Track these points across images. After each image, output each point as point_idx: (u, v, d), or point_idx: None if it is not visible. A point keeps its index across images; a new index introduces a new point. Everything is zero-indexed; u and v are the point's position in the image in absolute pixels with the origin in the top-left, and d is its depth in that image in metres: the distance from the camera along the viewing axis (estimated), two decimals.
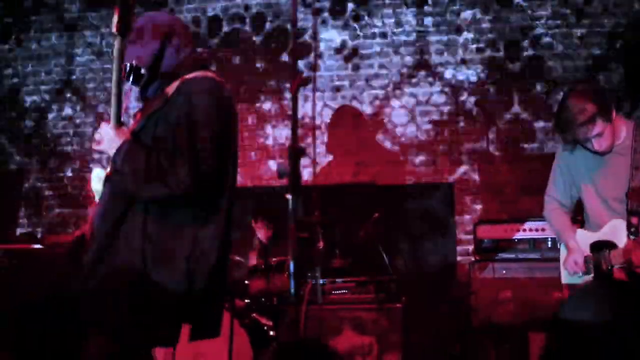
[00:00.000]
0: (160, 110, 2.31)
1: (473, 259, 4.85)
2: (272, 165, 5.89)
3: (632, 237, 2.94)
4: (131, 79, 2.35)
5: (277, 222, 4.99)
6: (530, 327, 4.34)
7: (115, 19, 2.16)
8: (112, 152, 2.26)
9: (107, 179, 2.35)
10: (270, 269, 4.28)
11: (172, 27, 2.44)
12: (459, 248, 5.53)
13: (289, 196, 1.62)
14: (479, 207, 5.60)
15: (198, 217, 2.27)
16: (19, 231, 6.02)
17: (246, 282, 4.39)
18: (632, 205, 2.97)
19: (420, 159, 5.74)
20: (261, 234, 5.04)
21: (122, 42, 2.21)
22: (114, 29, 2.17)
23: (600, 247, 3.06)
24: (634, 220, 2.95)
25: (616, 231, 3.02)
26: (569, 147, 3.13)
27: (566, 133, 3.00)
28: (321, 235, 4.56)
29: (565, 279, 3.28)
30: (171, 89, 2.35)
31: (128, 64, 2.32)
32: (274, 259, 4.37)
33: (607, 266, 3.00)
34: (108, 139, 2.27)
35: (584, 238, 3.16)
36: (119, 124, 2.27)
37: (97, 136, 2.34)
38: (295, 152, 1.62)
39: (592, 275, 3.09)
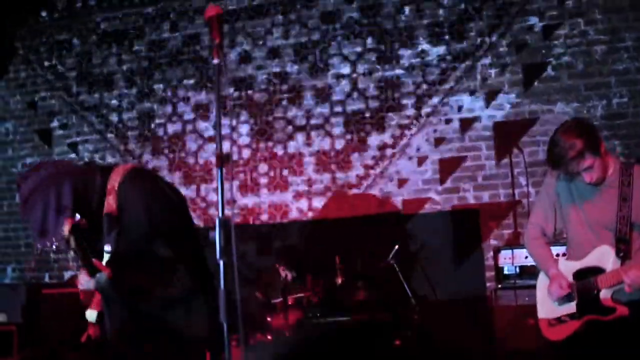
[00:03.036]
0: (116, 228, 2.50)
1: (495, 286, 4.85)
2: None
3: (620, 260, 3.04)
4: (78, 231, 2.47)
5: (302, 258, 5.11)
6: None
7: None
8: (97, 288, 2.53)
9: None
10: (287, 306, 4.43)
11: (68, 174, 2.49)
12: (487, 274, 5.51)
13: (220, 261, 1.75)
14: (506, 232, 5.57)
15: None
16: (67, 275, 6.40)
17: (268, 318, 4.55)
18: (622, 231, 3.08)
19: (445, 186, 5.77)
20: (283, 274, 5.17)
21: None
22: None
23: (585, 274, 3.14)
24: (623, 247, 3.06)
25: (603, 257, 3.11)
26: (567, 178, 3.20)
27: (559, 168, 3.12)
28: (340, 271, 4.68)
29: (543, 313, 3.31)
30: (110, 206, 2.50)
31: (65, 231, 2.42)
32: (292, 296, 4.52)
33: (594, 290, 3.05)
34: (88, 286, 2.53)
35: (567, 268, 3.22)
36: (93, 270, 2.49)
37: (80, 286, 2.58)
38: (224, 223, 1.75)
39: (575, 301, 3.14)
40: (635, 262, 3.02)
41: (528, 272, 4.76)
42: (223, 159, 1.73)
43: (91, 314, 2.61)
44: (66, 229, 2.38)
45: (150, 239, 2.40)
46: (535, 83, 5.65)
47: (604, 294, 3.06)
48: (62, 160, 2.61)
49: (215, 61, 1.80)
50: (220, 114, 1.76)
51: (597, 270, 3.10)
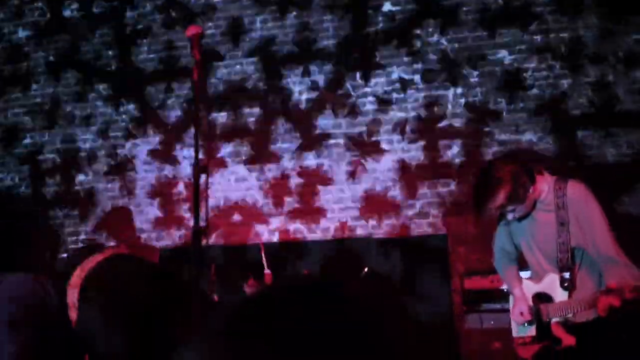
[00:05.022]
0: None
1: (461, 309, 4.94)
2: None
3: (566, 292, 3.07)
4: None
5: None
6: None
7: None
8: None
9: None
10: None
11: None
12: (454, 298, 5.59)
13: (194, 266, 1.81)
14: (474, 257, 5.68)
15: None
16: None
17: None
18: (563, 260, 3.08)
19: (414, 211, 5.87)
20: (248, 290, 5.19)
21: None
22: None
23: (541, 298, 3.23)
24: (566, 274, 3.08)
25: (551, 285, 3.17)
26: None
27: (480, 213, 3.12)
28: None
29: (515, 332, 3.39)
30: None
31: None
32: None
33: (546, 318, 3.14)
34: None
35: (529, 288, 3.32)
36: None
37: None
38: (196, 233, 1.81)
39: (534, 325, 3.23)
40: (584, 296, 3.03)
41: (494, 296, 4.86)
42: (199, 171, 1.80)
43: None
44: None
45: None
46: (504, 113, 5.82)
47: (554, 325, 3.12)
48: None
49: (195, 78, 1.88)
50: (198, 129, 1.82)
51: (549, 298, 3.17)
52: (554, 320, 3.12)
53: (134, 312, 1.67)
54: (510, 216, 3.12)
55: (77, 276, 1.73)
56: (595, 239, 3.01)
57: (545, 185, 3.14)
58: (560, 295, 3.12)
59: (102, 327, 1.67)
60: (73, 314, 1.71)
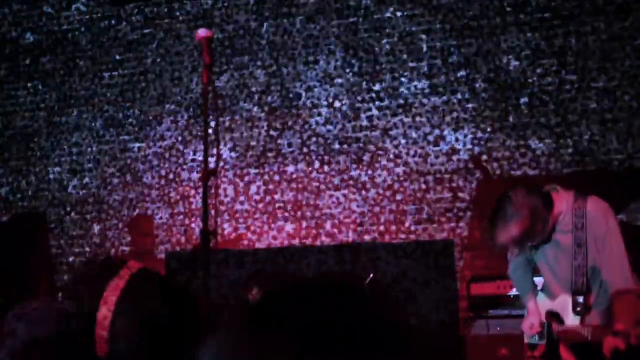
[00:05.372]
0: None
1: (467, 315, 4.93)
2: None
3: (578, 316, 3.06)
4: None
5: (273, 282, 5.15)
6: None
7: None
8: None
9: None
10: None
11: None
12: (460, 304, 5.58)
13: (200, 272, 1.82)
14: (481, 263, 5.66)
15: None
16: None
17: None
18: (577, 284, 3.04)
19: (420, 216, 5.86)
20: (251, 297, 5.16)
21: None
22: None
23: (554, 316, 3.22)
24: (579, 298, 3.04)
25: (564, 307, 3.14)
26: None
27: (493, 243, 3.08)
28: None
29: (527, 338, 3.38)
30: None
31: None
32: None
33: (556, 336, 3.13)
34: None
35: (543, 303, 3.29)
36: None
37: None
38: (204, 235, 1.81)
39: (545, 341, 3.21)
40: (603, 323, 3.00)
41: (500, 303, 4.85)
42: (208, 175, 1.80)
43: None
44: None
45: None
46: (510, 119, 5.81)
47: (562, 344, 3.11)
48: None
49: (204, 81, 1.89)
50: (207, 132, 1.83)
51: (561, 319, 3.16)
52: (562, 341, 3.12)
53: (163, 328, 1.74)
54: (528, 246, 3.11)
55: (108, 297, 1.77)
56: (609, 264, 2.97)
57: (563, 204, 3.06)
58: (571, 320, 3.10)
59: (137, 344, 1.74)
60: (103, 333, 1.73)
